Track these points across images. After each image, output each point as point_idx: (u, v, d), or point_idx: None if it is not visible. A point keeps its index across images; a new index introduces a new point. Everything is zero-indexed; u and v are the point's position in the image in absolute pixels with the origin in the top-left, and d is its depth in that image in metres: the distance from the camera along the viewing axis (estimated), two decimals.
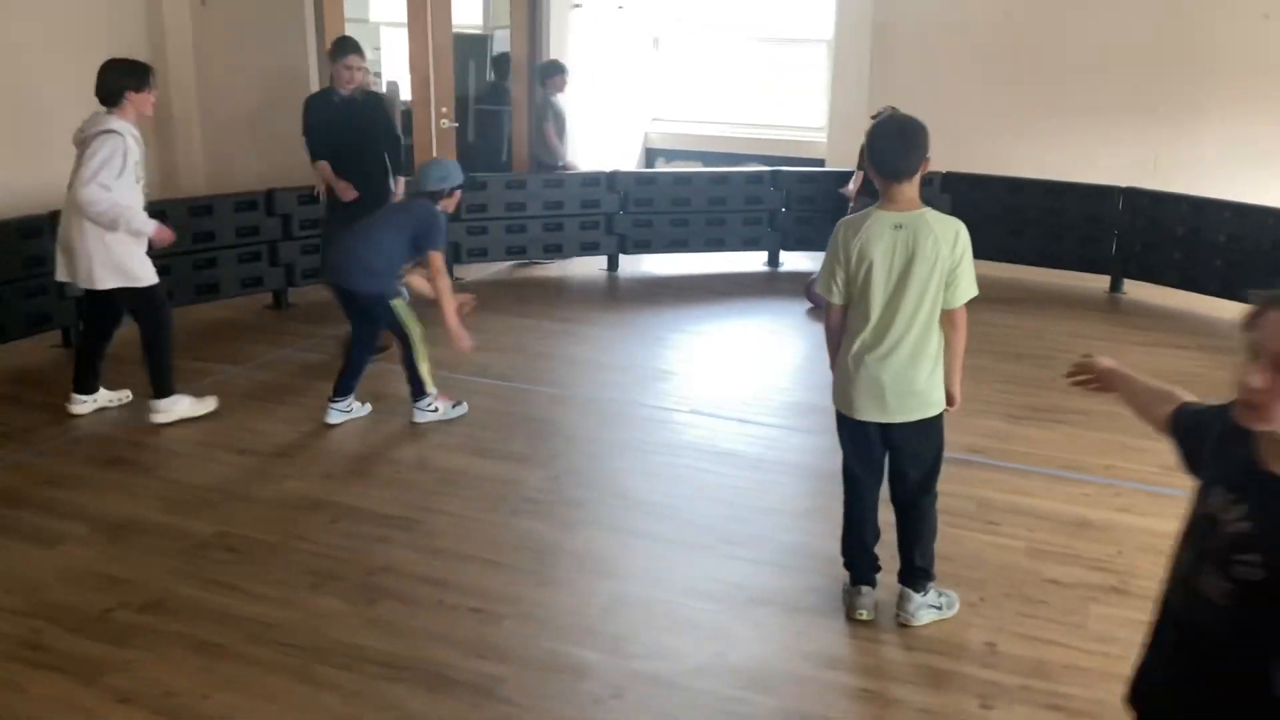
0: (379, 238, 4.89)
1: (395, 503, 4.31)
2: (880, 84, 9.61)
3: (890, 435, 3.38)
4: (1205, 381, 5.95)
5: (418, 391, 5.07)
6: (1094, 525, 4.27)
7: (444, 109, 8.47)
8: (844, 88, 9.73)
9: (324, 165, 6.09)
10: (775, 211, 8.54)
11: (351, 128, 6.10)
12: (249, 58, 7.87)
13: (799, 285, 7.75)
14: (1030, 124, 9.17)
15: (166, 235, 4.95)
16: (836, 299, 3.33)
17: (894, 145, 3.20)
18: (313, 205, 6.73)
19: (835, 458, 3.58)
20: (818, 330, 6.45)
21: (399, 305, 4.95)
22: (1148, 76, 8.85)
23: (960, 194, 8.33)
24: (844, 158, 9.77)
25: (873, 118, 7.12)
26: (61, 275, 4.93)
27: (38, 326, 5.90)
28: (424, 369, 5.03)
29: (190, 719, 3.00)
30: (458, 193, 5.03)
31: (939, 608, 3.58)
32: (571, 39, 9.05)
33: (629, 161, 10.26)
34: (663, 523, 4.20)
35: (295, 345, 6.33)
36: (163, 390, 5.01)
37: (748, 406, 5.48)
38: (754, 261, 8.62)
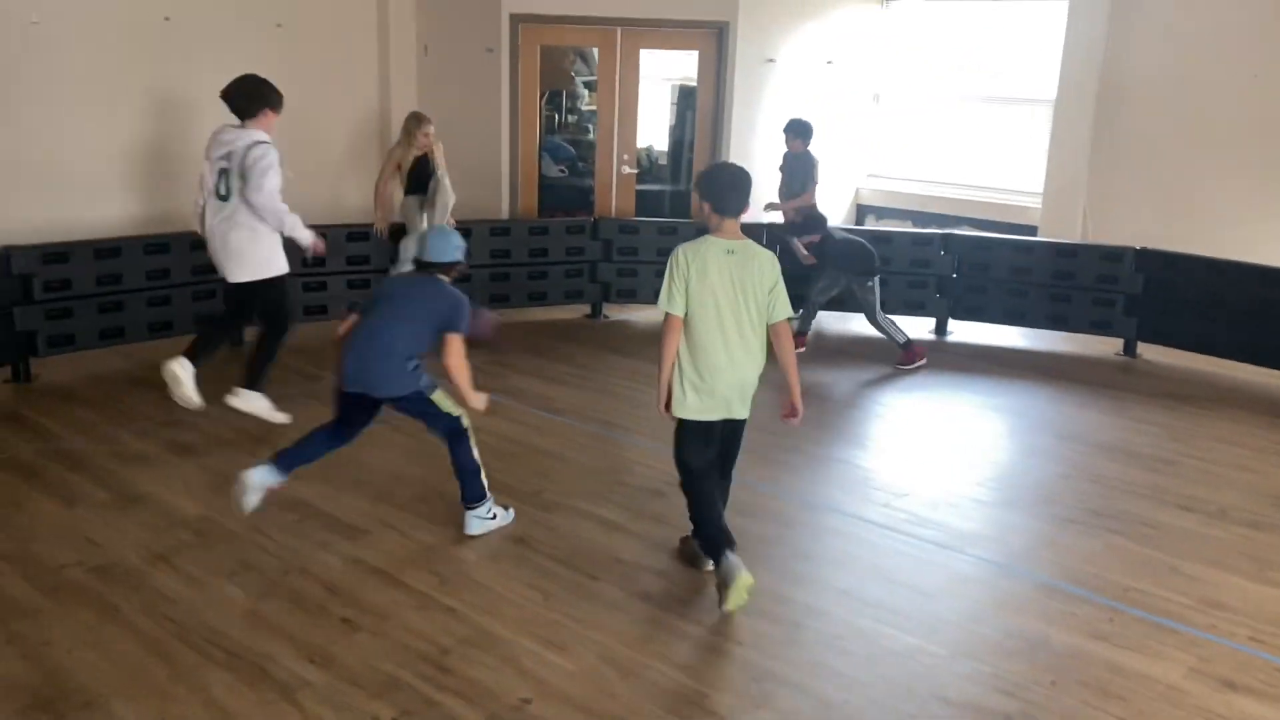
0: (390, 339, 4.24)
1: (361, 514, 4.60)
2: (1100, 150, 8.83)
3: (726, 428, 4.06)
4: None
5: (474, 493, 4.45)
6: (1051, 648, 3.76)
7: (625, 156, 8.83)
8: (1062, 152, 9.02)
9: None
10: (945, 277, 8.11)
11: None
12: (458, 103, 8.64)
13: (965, 356, 7.35)
14: (1267, 204, 8.05)
15: (320, 246, 5.67)
16: (678, 310, 3.89)
17: (730, 189, 3.92)
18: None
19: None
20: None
21: (439, 397, 4.37)
22: None
23: (1152, 272, 7.49)
24: (1058, 226, 9.06)
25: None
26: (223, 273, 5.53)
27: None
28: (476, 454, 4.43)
29: (49, 666, 3.44)
30: (460, 268, 4.38)
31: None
32: (768, 93, 9.09)
33: (837, 217, 10.08)
34: (569, 570, 4.21)
35: None
36: (252, 382, 5.56)
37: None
38: (920, 327, 8.16)
